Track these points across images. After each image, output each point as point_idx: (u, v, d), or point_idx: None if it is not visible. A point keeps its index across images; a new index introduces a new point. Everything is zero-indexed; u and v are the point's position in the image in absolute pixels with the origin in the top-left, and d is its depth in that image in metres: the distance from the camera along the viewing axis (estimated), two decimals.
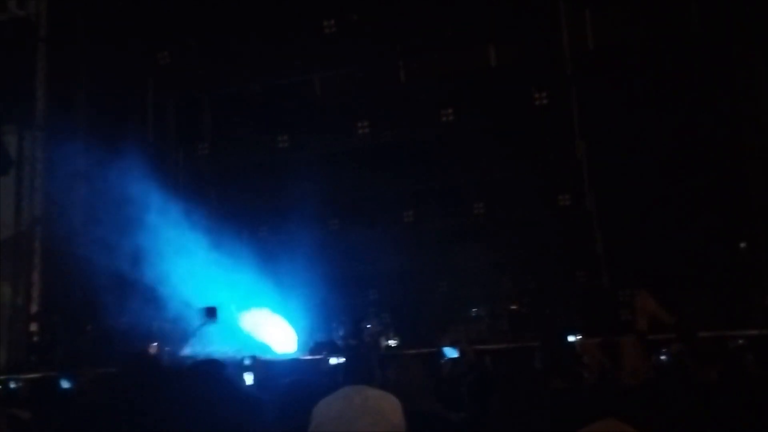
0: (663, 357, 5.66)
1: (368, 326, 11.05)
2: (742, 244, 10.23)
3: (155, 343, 10.15)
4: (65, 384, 5.35)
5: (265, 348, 10.85)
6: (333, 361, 8.22)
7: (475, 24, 11.98)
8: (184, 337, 10.57)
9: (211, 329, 10.52)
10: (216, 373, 3.81)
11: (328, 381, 3.97)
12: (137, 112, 13.27)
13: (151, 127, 13.41)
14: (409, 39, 12.44)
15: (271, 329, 11.22)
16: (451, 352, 7.76)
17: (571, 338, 7.46)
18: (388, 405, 1.48)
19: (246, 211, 12.89)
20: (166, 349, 10.33)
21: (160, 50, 12.63)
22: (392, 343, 10.79)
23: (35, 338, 11.46)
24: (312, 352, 10.48)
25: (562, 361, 4.01)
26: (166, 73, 12.97)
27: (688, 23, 11.12)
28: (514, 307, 11.00)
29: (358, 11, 12.19)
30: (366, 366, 3.40)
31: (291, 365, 9.34)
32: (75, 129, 11.79)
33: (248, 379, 6.48)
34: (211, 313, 10.48)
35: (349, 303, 11.90)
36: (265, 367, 7.84)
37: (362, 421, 2.89)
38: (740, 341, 6.56)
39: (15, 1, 11.51)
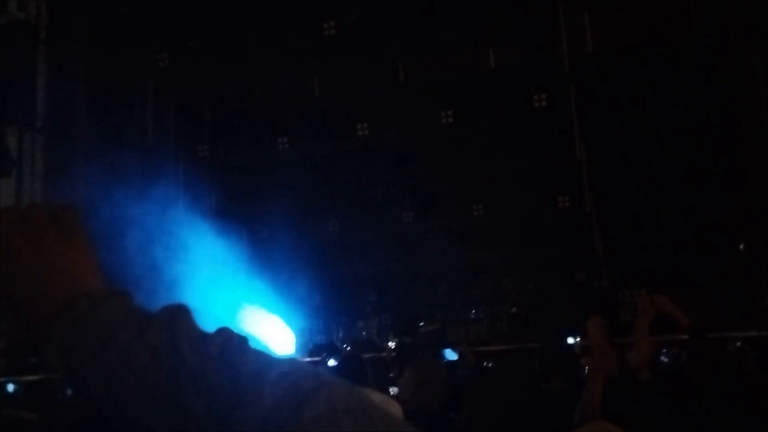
0: (663, 359, 5.68)
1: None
2: (741, 246, 10.24)
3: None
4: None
5: (264, 349, 10.81)
6: (332, 363, 8.21)
7: (474, 26, 12.00)
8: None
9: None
10: None
11: None
12: (137, 113, 13.26)
13: (151, 129, 13.40)
14: (408, 40, 12.46)
15: (269, 330, 11.20)
16: (450, 354, 7.77)
17: (570, 340, 7.48)
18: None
19: (246, 212, 12.88)
20: None
21: (159, 52, 12.61)
22: (391, 344, 10.76)
23: None
24: (311, 353, 10.46)
25: (561, 362, 4.02)
26: (166, 74, 12.96)
27: (687, 25, 11.14)
28: (513, 308, 11.00)
29: (358, 12, 12.19)
30: (357, 369, 3.40)
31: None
32: (75, 131, 11.79)
33: None
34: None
35: (348, 304, 11.89)
36: None
37: None
38: (739, 343, 6.57)
39: (15, 4, 11.51)
